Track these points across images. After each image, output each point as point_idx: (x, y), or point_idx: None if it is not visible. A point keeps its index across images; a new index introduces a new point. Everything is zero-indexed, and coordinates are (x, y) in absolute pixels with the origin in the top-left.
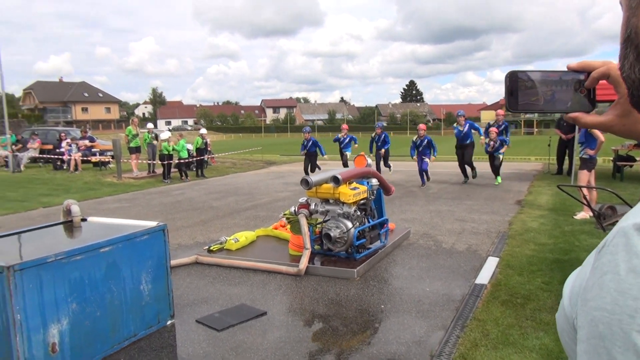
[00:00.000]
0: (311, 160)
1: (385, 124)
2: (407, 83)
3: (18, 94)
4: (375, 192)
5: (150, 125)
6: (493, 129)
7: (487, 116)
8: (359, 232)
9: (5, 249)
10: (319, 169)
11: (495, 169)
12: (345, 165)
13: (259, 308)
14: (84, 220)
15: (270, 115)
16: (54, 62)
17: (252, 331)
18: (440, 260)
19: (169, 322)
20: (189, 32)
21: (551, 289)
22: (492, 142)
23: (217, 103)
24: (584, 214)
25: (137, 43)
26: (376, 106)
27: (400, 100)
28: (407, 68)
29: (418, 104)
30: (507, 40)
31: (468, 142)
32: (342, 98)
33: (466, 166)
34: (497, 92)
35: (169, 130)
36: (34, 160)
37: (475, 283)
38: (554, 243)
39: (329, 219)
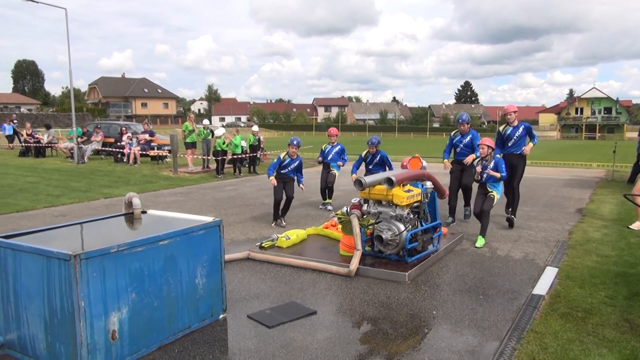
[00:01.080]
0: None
1: (378, 140)
2: (462, 84)
3: (84, 88)
4: (429, 195)
5: (205, 121)
6: (485, 141)
7: (546, 119)
8: (411, 235)
9: (71, 238)
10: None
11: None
12: (325, 190)
13: (309, 307)
14: (144, 212)
15: (321, 113)
16: (117, 58)
17: (302, 330)
18: (495, 267)
19: (221, 316)
20: (244, 30)
21: (615, 303)
22: (478, 166)
23: (270, 101)
24: (639, 224)
25: (195, 41)
26: (429, 107)
27: (454, 101)
28: (463, 68)
29: (472, 105)
30: (570, 41)
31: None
32: (394, 98)
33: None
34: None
35: (223, 126)
36: (96, 152)
37: (532, 293)
38: (618, 255)
39: (381, 221)
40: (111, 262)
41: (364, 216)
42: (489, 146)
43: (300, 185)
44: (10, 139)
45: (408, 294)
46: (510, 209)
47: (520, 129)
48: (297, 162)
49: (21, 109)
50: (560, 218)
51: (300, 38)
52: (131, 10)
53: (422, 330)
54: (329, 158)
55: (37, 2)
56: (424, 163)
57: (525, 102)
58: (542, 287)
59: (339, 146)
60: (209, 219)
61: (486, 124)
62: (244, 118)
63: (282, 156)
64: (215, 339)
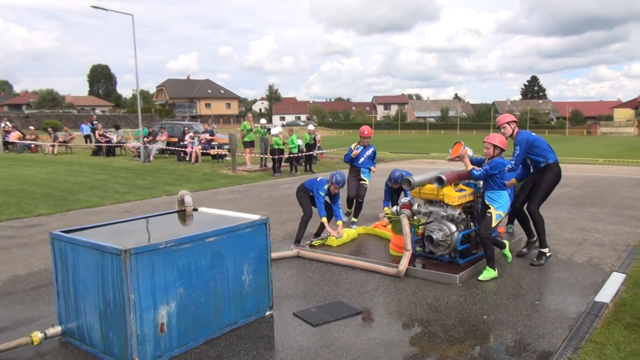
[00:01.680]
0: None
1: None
2: (529, 79)
3: (152, 90)
4: None
5: (263, 120)
6: (491, 138)
7: (621, 114)
8: (463, 236)
9: (124, 233)
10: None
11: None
12: (353, 200)
13: (355, 307)
14: (195, 210)
15: (381, 111)
16: (183, 61)
17: (346, 329)
18: (555, 272)
19: (267, 313)
20: (304, 30)
21: None
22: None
23: (329, 99)
24: None
25: (257, 42)
26: (493, 103)
27: (520, 97)
28: (529, 62)
29: (540, 101)
30: None
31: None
32: (456, 95)
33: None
34: (635, 87)
35: (283, 125)
36: (161, 151)
37: (594, 300)
38: None
39: (432, 221)
40: (160, 258)
41: (415, 216)
42: (495, 145)
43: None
44: (87, 138)
45: (458, 297)
46: (531, 240)
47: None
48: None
49: (95, 111)
50: (631, 221)
51: (359, 36)
52: (197, 14)
53: (472, 334)
54: (360, 162)
55: (106, 10)
56: (469, 151)
57: (599, 97)
58: (606, 294)
59: (372, 148)
60: (255, 217)
61: (555, 120)
62: (303, 117)
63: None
64: (261, 335)
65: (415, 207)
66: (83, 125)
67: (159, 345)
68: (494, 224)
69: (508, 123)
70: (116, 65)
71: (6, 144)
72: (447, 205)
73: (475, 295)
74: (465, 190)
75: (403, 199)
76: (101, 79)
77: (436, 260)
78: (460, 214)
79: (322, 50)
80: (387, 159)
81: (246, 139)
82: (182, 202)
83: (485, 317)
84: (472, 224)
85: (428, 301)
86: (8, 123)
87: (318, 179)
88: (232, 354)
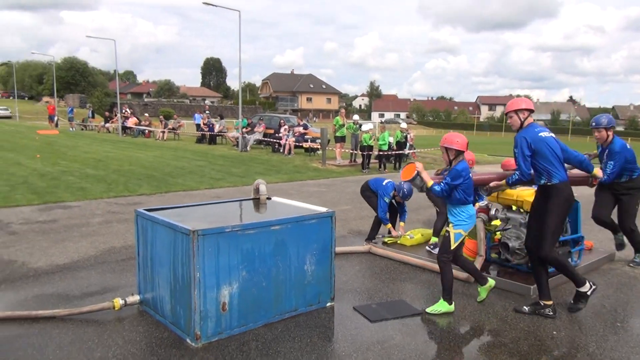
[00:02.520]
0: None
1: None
2: None
3: (258, 83)
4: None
5: (356, 117)
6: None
7: None
8: None
9: (199, 216)
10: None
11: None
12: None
13: (417, 307)
14: (268, 199)
15: (484, 112)
16: (289, 56)
17: (403, 328)
18: None
19: (328, 304)
20: (411, 26)
21: None
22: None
23: (431, 98)
24: None
25: (362, 38)
26: (613, 107)
27: None
28: None
29: None
30: None
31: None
32: (570, 97)
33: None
34: None
35: (382, 122)
36: (258, 142)
37: None
38: None
39: (509, 228)
40: (225, 241)
41: (491, 221)
42: (454, 150)
43: None
44: (199, 127)
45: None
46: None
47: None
48: None
49: (206, 101)
50: None
51: (468, 33)
52: (307, 11)
53: (534, 349)
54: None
55: (215, 6)
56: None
57: None
58: None
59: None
60: (322, 209)
61: None
62: (402, 115)
63: None
64: (318, 325)
65: (492, 212)
66: (196, 115)
67: (220, 323)
68: (452, 246)
69: (515, 112)
70: (227, 58)
71: (124, 128)
72: (527, 212)
73: None
74: None
75: (480, 203)
76: (213, 71)
77: (512, 268)
78: None
79: (428, 47)
80: (483, 162)
81: (338, 134)
82: (257, 190)
83: (554, 332)
84: None
85: (495, 310)
86: (128, 110)
87: (384, 183)
88: (288, 339)
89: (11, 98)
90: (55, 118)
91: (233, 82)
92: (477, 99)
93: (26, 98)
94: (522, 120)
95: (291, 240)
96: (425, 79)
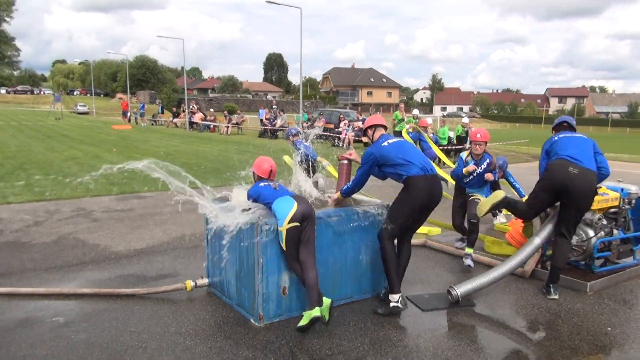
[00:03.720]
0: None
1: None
2: None
3: (319, 78)
4: (634, 201)
5: (416, 111)
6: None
7: None
8: (601, 243)
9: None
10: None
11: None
12: (463, 228)
13: (470, 299)
14: (324, 192)
15: (554, 105)
16: (350, 49)
17: (454, 318)
18: None
19: (382, 293)
20: (476, 17)
21: None
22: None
23: (496, 90)
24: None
25: (424, 30)
26: None
27: None
28: None
29: None
30: None
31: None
32: None
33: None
34: None
35: (444, 116)
36: (318, 136)
37: None
38: None
39: None
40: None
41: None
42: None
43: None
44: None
45: (584, 305)
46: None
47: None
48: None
49: (267, 96)
50: None
51: (538, 22)
52: (368, 4)
53: (585, 343)
54: (470, 182)
55: (278, 4)
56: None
57: None
58: None
59: (488, 159)
60: (377, 201)
61: None
62: (466, 108)
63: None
64: (371, 312)
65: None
66: (261, 110)
67: (281, 305)
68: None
69: (370, 128)
70: (289, 53)
71: (191, 123)
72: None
73: (604, 306)
74: (607, 194)
75: None
76: (275, 66)
77: (569, 265)
78: (600, 219)
79: (494, 38)
80: None
81: (397, 129)
82: (316, 184)
83: (609, 329)
84: (616, 231)
85: (549, 305)
86: (194, 105)
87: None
88: (343, 323)
89: (88, 95)
90: (129, 114)
91: (294, 77)
92: (546, 91)
93: (102, 95)
94: (372, 136)
95: (347, 231)
96: (490, 70)
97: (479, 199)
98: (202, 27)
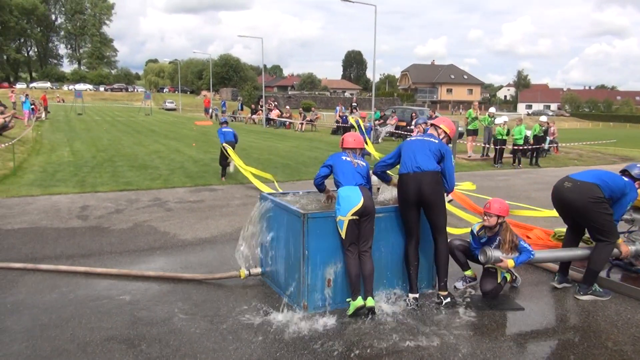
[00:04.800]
0: None
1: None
2: None
3: (398, 75)
4: None
5: (492, 109)
6: None
7: None
8: None
9: (313, 201)
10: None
11: None
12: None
13: (519, 303)
14: (378, 189)
15: None
16: (431, 45)
17: (500, 320)
18: None
19: (429, 291)
20: (569, 8)
21: None
22: None
23: (588, 87)
24: None
25: (511, 24)
26: None
27: None
28: None
29: None
30: None
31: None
32: None
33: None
34: None
35: (528, 114)
36: (391, 134)
37: None
38: None
39: (636, 229)
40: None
41: None
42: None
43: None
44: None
45: None
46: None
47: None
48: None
49: (345, 93)
50: None
51: None
52: None
53: (636, 356)
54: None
55: (352, 2)
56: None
57: None
58: None
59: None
60: None
61: None
62: (553, 106)
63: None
64: (417, 309)
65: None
66: (337, 107)
67: (325, 297)
68: None
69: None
70: (368, 50)
71: (268, 120)
72: None
73: None
74: None
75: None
76: (354, 63)
77: (636, 274)
78: None
79: (589, 30)
80: (639, 158)
81: (469, 127)
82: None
83: None
84: None
85: (606, 313)
86: (272, 102)
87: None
88: (385, 317)
89: (176, 92)
90: (211, 110)
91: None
92: None
93: (188, 92)
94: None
95: (393, 228)
96: (584, 66)
97: (495, 269)
98: (284, 26)
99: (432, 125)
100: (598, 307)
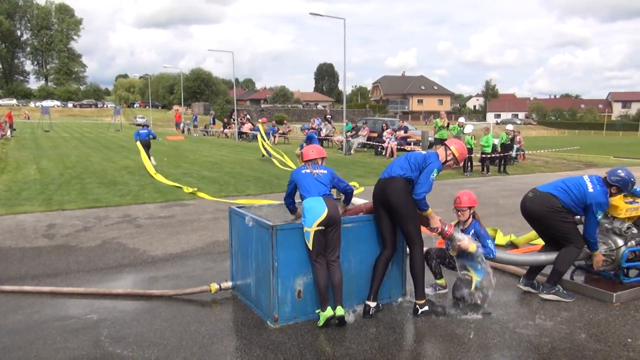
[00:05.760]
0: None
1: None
2: None
3: (369, 87)
4: None
5: (461, 119)
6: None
7: None
8: (631, 252)
9: (281, 213)
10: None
11: None
12: None
13: (487, 308)
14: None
15: (617, 110)
16: (401, 57)
17: (465, 324)
18: None
19: (399, 300)
20: (533, 20)
21: None
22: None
23: (554, 96)
24: None
25: (479, 35)
26: None
27: None
28: None
29: None
30: None
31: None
32: None
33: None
34: None
35: (497, 123)
36: (362, 145)
37: None
38: None
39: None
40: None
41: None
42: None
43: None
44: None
45: (607, 316)
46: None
47: None
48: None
49: (318, 106)
50: None
51: (600, 24)
52: (421, 11)
53: (600, 354)
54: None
55: (321, 15)
56: None
57: None
58: None
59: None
60: None
61: None
62: (521, 115)
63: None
64: (387, 318)
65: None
66: (316, 119)
67: (296, 308)
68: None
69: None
70: (340, 62)
71: (240, 133)
72: (614, 217)
73: (630, 317)
74: (637, 202)
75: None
76: (325, 76)
77: (597, 275)
78: (629, 228)
79: (553, 41)
80: (603, 164)
81: (437, 136)
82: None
83: (629, 340)
84: None
85: (572, 315)
86: (245, 116)
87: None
88: (356, 327)
89: (147, 107)
90: (182, 125)
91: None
92: (608, 96)
93: (160, 107)
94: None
95: (363, 238)
96: (549, 75)
97: (470, 275)
98: (256, 39)
99: (443, 144)
100: (561, 307)
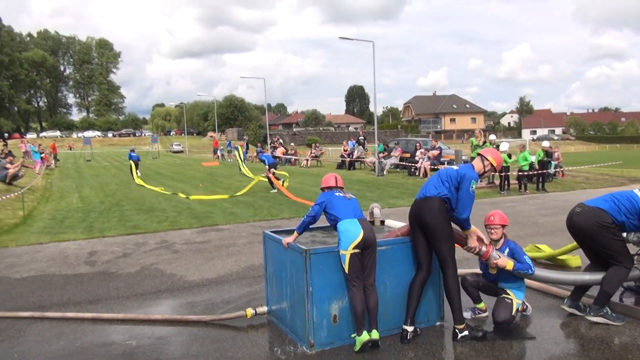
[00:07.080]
0: None
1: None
2: None
3: (401, 107)
4: None
5: (492, 136)
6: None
7: None
8: None
9: (320, 237)
10: None
11: None
12: None
13: (531, 332)
14: (382, 222)
15: None
16: (432, 77)
17: (512, 351)
18: None
19: (437, 323)
20: (566, 34)
21: None
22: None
23: (592, 110)
24: None
25: (510, 52)
26: None
27: None
28: None
29: None
30: None
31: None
32: None
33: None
34: None
35: (533, 140)
36: (395, 166)
37: None
38: None
39: None
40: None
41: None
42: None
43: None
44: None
45: None
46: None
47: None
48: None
49: (349, 128)
50: None
51: (636, 35)
52: (450, 31)
53: None
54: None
55: (350, 39)
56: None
57: None
58: None
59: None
60: None
61: None
62: (558, 130)
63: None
64: (425, 342)
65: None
66: (350, 142)
67: (332, 333)
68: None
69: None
70: (370, 84)
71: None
72: None
73: None
74: None
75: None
76: (356, 98)
77: None
78: None
79: (588, 55)
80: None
81: (472, 155)
82: (371, 213)
83: None
84: None
85: (622, 340)
86: (279, 141)
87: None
88: (394, 352)
89: (183, 135)
90: (219, 151)
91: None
92: None
93: (194, 134)
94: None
95: (398, 260)
96: (586, 89)
97: (511, 299)
98: (287, 65)
99: (479, 155)
100: (612, 332)
